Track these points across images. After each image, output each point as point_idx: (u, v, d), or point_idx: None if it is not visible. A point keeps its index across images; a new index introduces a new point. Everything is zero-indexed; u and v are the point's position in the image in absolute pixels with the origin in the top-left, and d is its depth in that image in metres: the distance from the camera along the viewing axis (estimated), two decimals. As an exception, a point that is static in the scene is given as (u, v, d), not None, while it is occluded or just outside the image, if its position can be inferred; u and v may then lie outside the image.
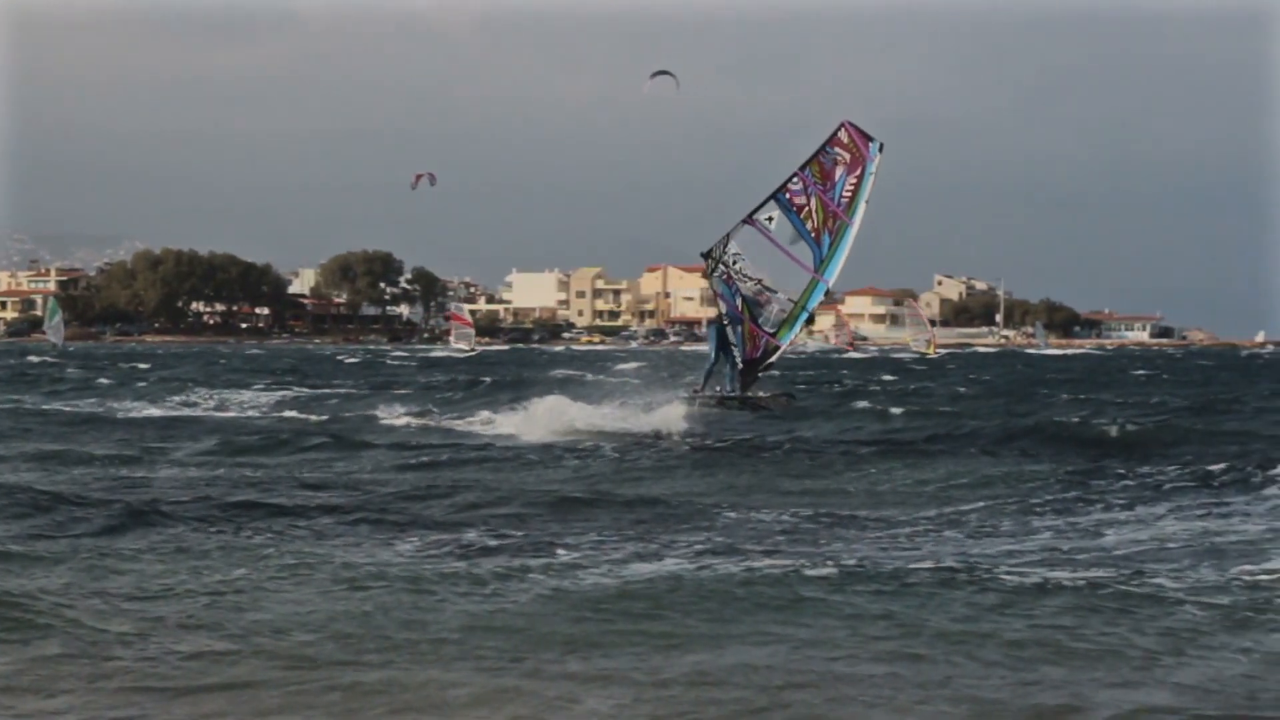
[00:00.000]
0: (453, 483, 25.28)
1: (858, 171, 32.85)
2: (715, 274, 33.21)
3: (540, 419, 36.93)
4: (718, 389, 34.27)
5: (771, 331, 33.42)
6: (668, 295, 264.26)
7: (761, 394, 34.82)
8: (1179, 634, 12.81)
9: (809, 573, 15.65)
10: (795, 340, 34.62)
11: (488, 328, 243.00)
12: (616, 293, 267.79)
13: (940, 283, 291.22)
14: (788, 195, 33.01)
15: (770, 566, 16.22)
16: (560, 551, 17.41)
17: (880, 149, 32.86)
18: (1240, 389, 66.40)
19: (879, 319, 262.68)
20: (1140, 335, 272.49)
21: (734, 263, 33.10)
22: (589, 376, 64.54)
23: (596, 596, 14.18)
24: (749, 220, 33.05)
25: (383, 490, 23.95)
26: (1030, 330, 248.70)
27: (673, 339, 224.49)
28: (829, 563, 16.65)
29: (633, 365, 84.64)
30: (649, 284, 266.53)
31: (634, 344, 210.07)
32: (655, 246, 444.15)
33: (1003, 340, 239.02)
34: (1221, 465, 27.70)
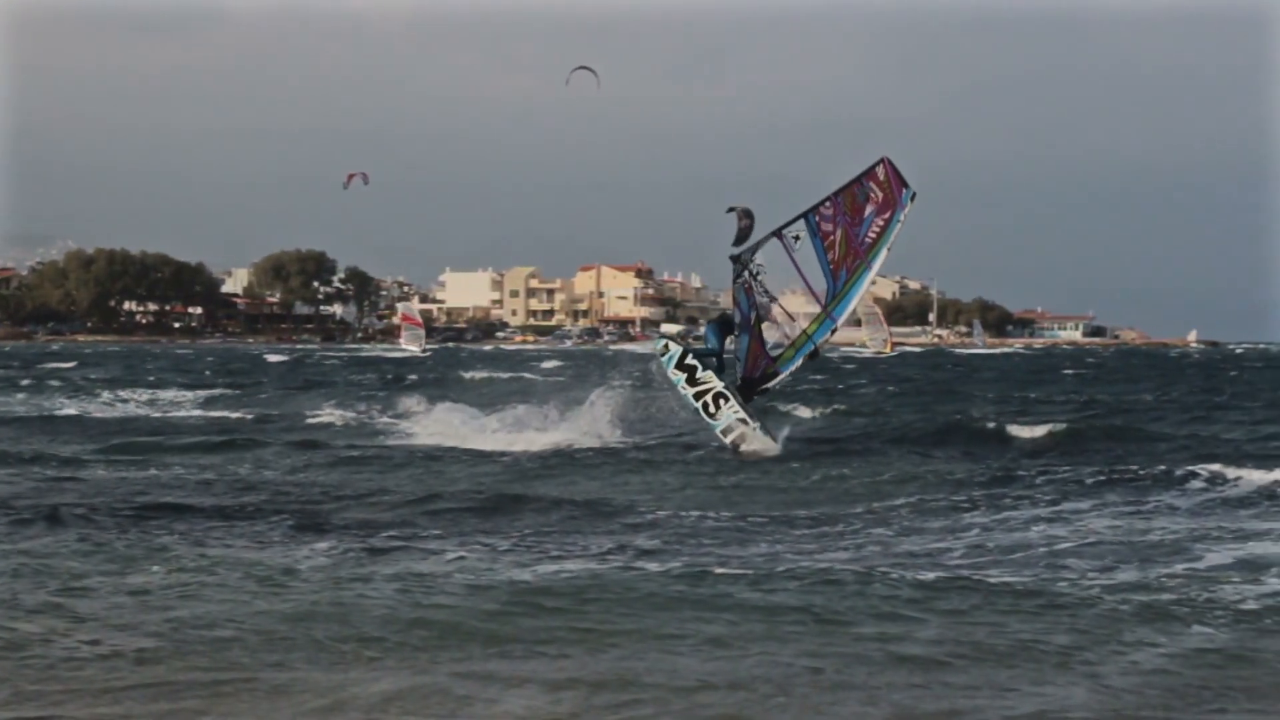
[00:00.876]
0: (375, 482, 25.19)
1: (886, 214, 31.32)
2: (738, 280, 31.65)
3: (439, 423, 36.97)
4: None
5: (773, 356, 31.94)
6: (601, 295, 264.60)
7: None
8: (1098, 631, 12.82)
9: (733, 571, 15.66)
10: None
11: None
12: (550, 292, 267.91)
13: (874, 282, 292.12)
14: (817, 219, 31.32)
15: (694, 565, 16.20)
16: (482, 550, 17.36)
17: (912, 198, 31.43)
18: (1164, 388, 67.09)
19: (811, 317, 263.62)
20: (1073, 334, 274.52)
21: (757, 274, 31.61)
22: (503, 376, 64.84)
23: (518, 595, 14.13)
24: (778, 234, 31.38)
25: (304, 489, 23.81)
26: (964, 329, 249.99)
27: (606, 338, 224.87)
28: (754, 561, 16.70)
29: (554, 364, 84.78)
30: (582, 283, 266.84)
31: (568, 343, 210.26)
32: (589, 246, 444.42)
33: (936, 339, 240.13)
34: (1145, 464, 27.86)
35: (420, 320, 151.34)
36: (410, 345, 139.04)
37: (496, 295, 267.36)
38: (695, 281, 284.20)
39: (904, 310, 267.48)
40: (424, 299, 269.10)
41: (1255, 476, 24.11)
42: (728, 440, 30.55)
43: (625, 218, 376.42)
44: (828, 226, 31.18)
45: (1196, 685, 11.34)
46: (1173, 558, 16.84)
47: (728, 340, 32.21)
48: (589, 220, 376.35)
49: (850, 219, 31.16)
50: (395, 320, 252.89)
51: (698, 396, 30.91)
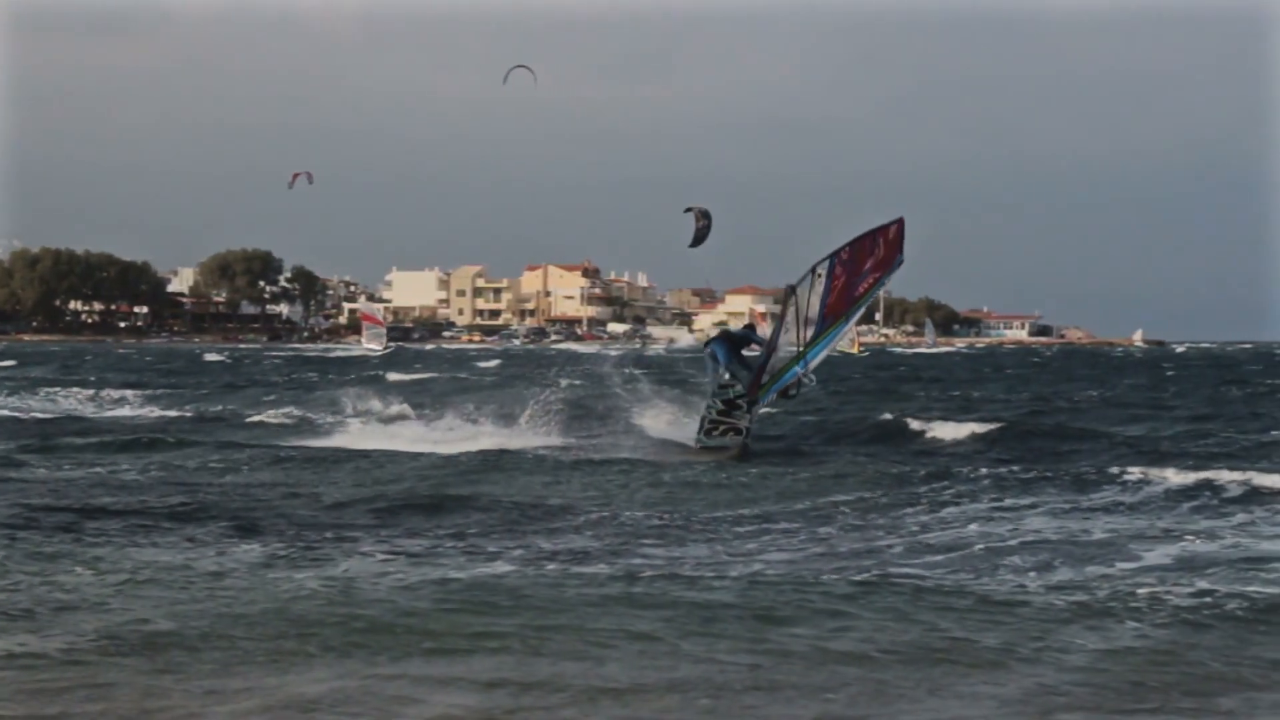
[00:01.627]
0: (312, 481, 25.15)
1: (878, 274, 30.78)
2: (787, 305, 30.36)
3: (377, 422, 37.00)
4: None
5: (764, 382, 30.65)
6: (548, 294, 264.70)
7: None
8: (1032, 630, 12.86)
9: (669, 571, 15.70)
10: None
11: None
12: (497, 291, 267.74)
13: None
14: (837, 263, 30.24)
15: (630, 564, 16.27)
16: (417, 549, 17.39)
17: (900, 264, 31.03)
18: (1099, 387, 67.68)
19: (760, 317, 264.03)
20: (1019, 334, 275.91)
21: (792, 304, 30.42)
22: (443, 375, 64.67)
23: (452, 594, 14.10)
24: (813, 270, 30.05)
25: (240, 489, 23.75)
26: (910, 329, 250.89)
27: (554, 337, 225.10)
28: (691, 560, 16.76)
29: (494, 363, 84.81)
30: (529, 283, 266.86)
31: (515, 342, 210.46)
32: (536, 245, 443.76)
33: (883, 339, 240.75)
34: (1081, 462, 28.14)
35: (381, 319, 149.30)
36: (372, 344, 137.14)
37: (443, 294, 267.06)
38: (642, 281, 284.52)
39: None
40: (371, 298, 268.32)
41: (1188, 477, 24.15)
42: (709, 442, 30.42)
43: (572, 217, 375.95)
44: (839, 270, 30.27)
45: (1130, 683, 11.38)
46: (1108, 556, 16.92)
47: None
48: (536, 219, 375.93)
49: (853, 268, 30.51)
50: (341, 320, 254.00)
51: (721, 418, 30.61)
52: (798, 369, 30.38)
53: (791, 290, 29.95)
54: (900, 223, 30.70)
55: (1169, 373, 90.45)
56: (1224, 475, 23.92)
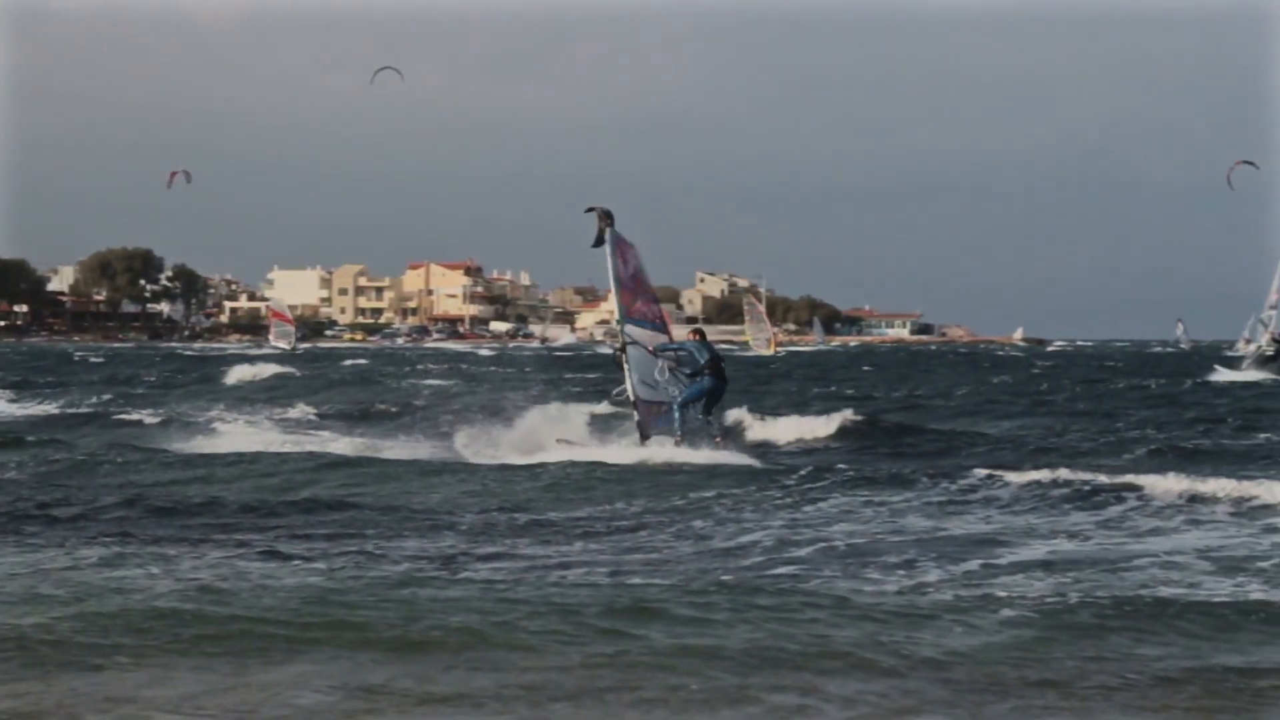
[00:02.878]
0: (180, 481, 25.15)
1: (628, 251, 31.23)
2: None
3: (247, 423, 37.00)
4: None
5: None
6: (430, 293, 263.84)
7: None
8: (894, 628, 12.84)
9: (536, 572, 15.84)
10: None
11: (249, 325, 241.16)
12: (379, 290, 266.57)
13: (702, 280, 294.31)
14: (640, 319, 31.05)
15: (500, 567, 16.33)
16: (277, 552, 17.22)
17: (610, 220, 30.98)
18: (974, 385, 68.28)
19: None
20: (901, 332, 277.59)
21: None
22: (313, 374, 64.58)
23: (314, 598, 13.81)
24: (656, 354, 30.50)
25: (105, 490, 23.49)
26: (792, 327, 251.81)
27: (436, 336, 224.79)
28: (564, 560, 16.86)
29: (363, 362, 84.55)
30: (411, 281, 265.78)
31: (399, 340, 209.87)
32: (418, 243, 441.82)
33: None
34: (948, 460, 28.75)
35: (290, 316, 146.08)
36: (280, 342, 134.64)
37: (325, 293, 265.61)
38: (525, 279, 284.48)
39: (733, 308, 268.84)
40: (252, 297, 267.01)
41: (1050, 475, 24.16)
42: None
43: (454, 215, 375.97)
44: (643, 307, 31.32)
45: (989, 681, 11.42)
46: (971, 554, 17.02)
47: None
48: (418, 218, 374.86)
49: (643, 290, 31.72)
50: (223, 319, 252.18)
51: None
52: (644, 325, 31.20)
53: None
54: (607, 241, 30.96)
55: (1034, 371, 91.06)
56: (1090, 476, 23.98)
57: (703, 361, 29.88)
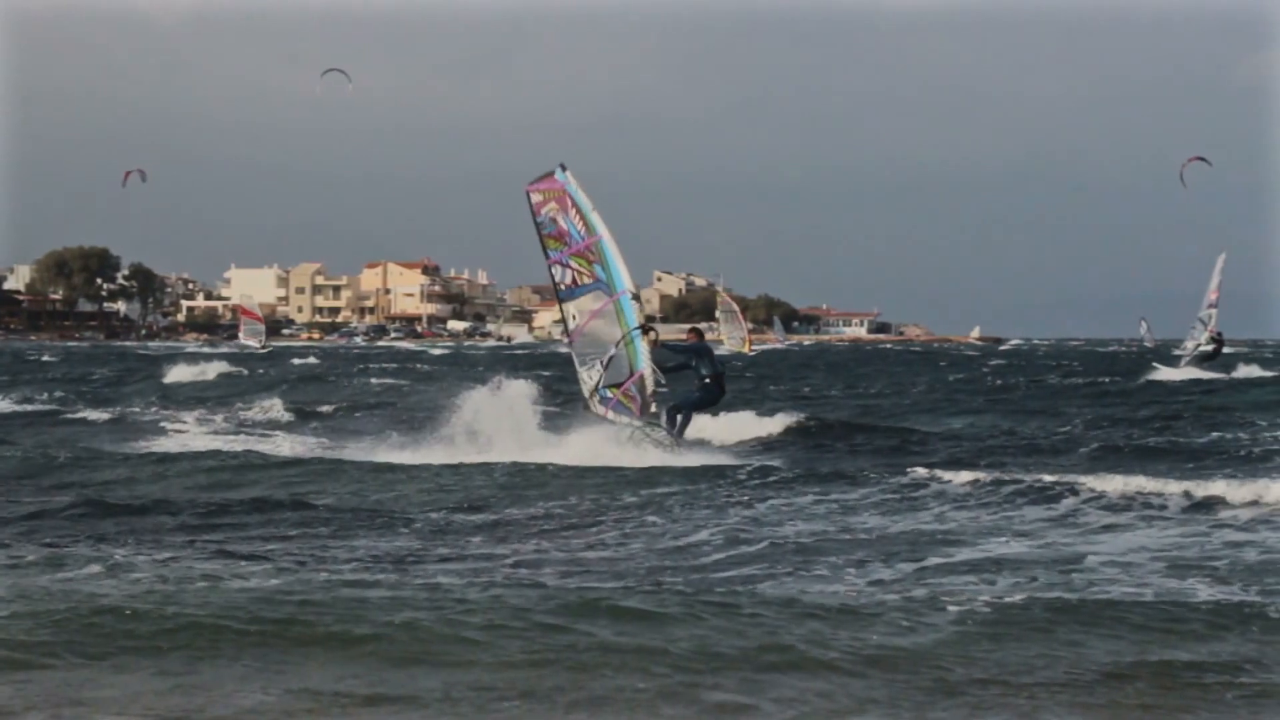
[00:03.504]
0: (128, 480, 25.17)
1: (568, 204, 29.96)
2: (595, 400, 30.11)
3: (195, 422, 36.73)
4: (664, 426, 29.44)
5: (628, 374, 29.54)
6: (388, 292, 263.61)
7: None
8: (841, 627, 12.79)
9: (485, 574, 15.76)
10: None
11: (206, 324, 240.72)
12: (336, 289, 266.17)
13: (660, 279, 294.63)
14: (563, 287, 30.31)
15: (446, 568, 16.29)
16: (232, 553, 17.15)
17: (564, 167, 30.17)
18: (929, 383, 68.41)
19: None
20: (858, 331, 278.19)
21: (599, 384, 29.81)
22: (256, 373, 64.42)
23: (260, 599, 13.64)
24: (570, 341, 30.57)
25: (51, 490, 23.56)
26: (749, 326, 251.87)
27: (394, 335, 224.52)
28: (510, 562, 16.79)
29: (311, 360, 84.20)
30: (369, 280, 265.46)
31: (357, 339, 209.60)
32: (375, 243, 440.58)
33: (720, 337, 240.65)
34: (905, 458, 28.66)
35: (259, 315, 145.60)
36: (249, 340, 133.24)
37: (282, 292, 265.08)
38: (482, 278, 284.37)
39: (690, 307, 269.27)
40: (209, 296, 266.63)
41: (999, 475, 24.18)
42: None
43: (412, 214, 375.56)
44: (566, 278, 30.40)
45: (933, 681, 11.44)
46: (918, 553, 17.04)
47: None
48: (376, 217, 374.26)
49: (566, 248, 30.29)
50: (180, 318, 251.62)
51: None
52: (628, 308, 29.70)
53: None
54: (526, 192, 30.63)
55: (984, 371, 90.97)
56: (1037, 475, 23.96)
57: (718, 371, 29.38)
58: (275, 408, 44.10)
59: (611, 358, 29.63)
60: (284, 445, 32.12)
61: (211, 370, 73.71)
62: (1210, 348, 71.57)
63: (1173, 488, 21.61)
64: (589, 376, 30.14)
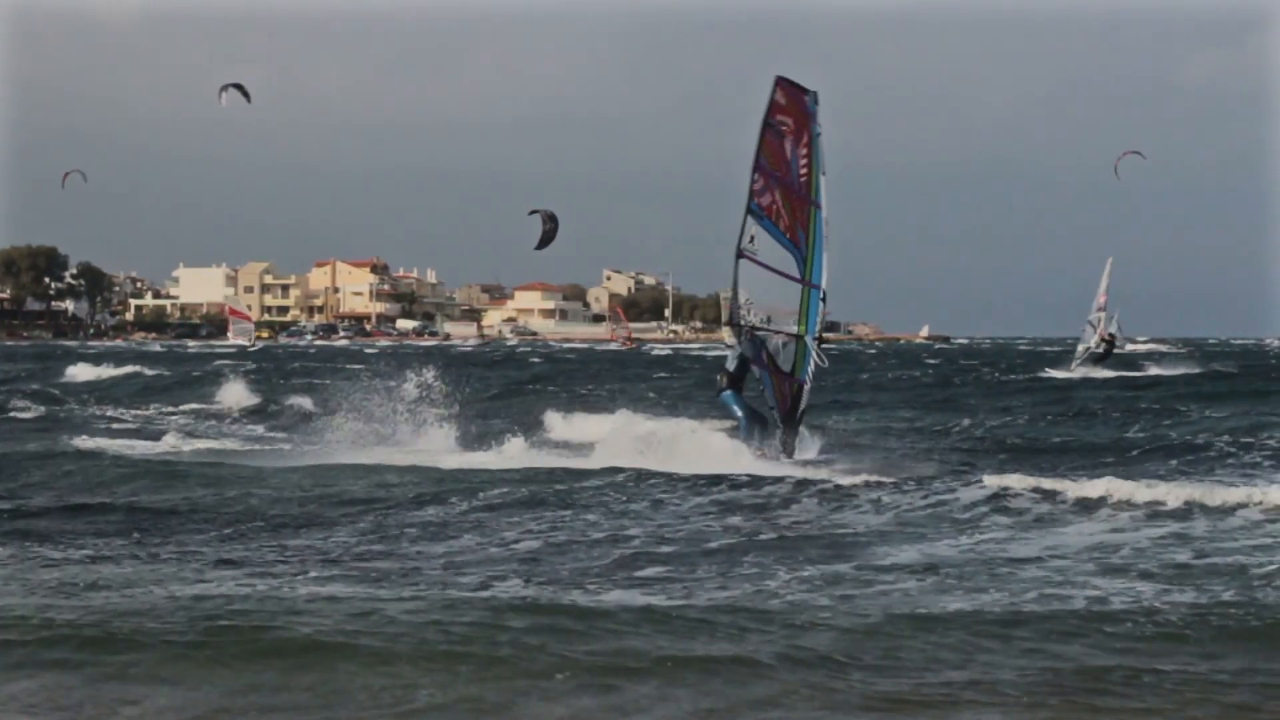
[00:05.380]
0: (35, 483, 24.99)
1: (804, 138, 27.04)
2: (744, 340, 27.65)
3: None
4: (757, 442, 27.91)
5: (788, 371, 27.73)
6: (337, 290, 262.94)
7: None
8: (773, 630, 12.80)
9: (408, 577, 15.75)
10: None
11: (155, 323, 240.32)
12: (285, 288, 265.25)
13: (609, 277, 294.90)
14: (758, 203, 26.92)
15: (375, 568, 16.31)
16: (148, 557, 17.03)
17: (816, 100, 27.13)
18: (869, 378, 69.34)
19: (549, 314, 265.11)
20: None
21: (750, 313, 27.49)
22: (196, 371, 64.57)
23: (185, 603, 13.59)
24: (740, 254, 27.15)
25: None
26: (699, 325, 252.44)
27: (343, 334, 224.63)
28: (440, 564, 16.71)
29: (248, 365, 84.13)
30: (318, 279, 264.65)
31: (308, 337, 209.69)
32: (324, 241, 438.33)
33: (671, 334, 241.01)
34: (831, 456, 28.16)
35: (248, 314, 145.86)
36: (239, 339, 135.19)
37: (230, 291, 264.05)
38: (431, 277, 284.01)
39: (640, 305, 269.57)
40: (157, 295, 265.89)
41: (939, 473, 24.53)
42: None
43: (361, 213, 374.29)
44: (765, 199, 27.03)
45: (846, 686, 11.38)
46: (854, 554, 17.02)
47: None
48: (324, 215, 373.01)
49: (780, 171, 27.08)
50: (128, 317, 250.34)
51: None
52: (815, 305, 27.72)
53: (735, 326, 28.05)
54: (778, 84, 27.12)
55: (916, 373, 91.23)
56: (954, 476, 24.20)
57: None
58: (195, 409, 44.32)
59: (778, 346, 27.73)
60: (199, 445, 32.25)
61: (118, 370, 73.90)
62: (1100, 349, 73.38)
63: (1106, 489, 21.51)
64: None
